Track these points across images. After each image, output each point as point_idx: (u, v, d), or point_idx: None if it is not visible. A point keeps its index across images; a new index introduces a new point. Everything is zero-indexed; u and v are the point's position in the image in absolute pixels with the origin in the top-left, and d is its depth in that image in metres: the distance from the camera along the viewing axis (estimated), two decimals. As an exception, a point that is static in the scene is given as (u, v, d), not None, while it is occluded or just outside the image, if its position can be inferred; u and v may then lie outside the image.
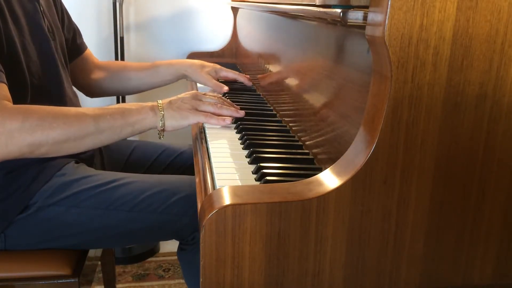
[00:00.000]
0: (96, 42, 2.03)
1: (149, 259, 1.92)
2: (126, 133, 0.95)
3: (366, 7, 0.65)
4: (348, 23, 0.69)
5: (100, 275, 1.53)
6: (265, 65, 1.42)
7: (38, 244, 0.97)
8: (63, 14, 1.26)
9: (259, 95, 1.42)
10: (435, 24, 0.60)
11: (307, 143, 0.96)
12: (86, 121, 0.91)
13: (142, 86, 1.42)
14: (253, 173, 0.83)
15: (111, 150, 1.26)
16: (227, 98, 1.25)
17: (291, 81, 1.14)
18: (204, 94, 1.07)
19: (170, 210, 0.96)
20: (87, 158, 1.11)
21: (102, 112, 0.93)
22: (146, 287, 1.74)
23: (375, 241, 0.66)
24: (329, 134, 0.84)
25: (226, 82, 1.48)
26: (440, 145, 0.64)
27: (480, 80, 0.63)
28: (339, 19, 0.70)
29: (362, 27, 0.66)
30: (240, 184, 0.79)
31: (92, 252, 1.10)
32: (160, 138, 1.01)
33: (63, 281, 0.94)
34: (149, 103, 0.99)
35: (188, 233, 0.99)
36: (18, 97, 0.92)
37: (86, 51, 1.35)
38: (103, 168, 1.21)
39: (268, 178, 0.78)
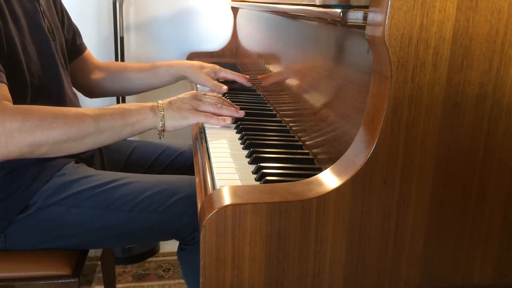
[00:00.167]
0: (96, 42, 2.03)
1: (149, 259, 1.92)
2: (126, 133, 0.95)
3: (366, 7, 0.65)
4: (348, 23, 0.69)
5: (100, 275, 1.53)
6: (265, 65, 1.42)
7: (38, 244, 0.97)
8: (63, 15, 1.26)
9: (259, 95, 1.42)
10: (435, 24, 0.60)
11: (307, 143, 0.96)
12: (86, 121, 0.91)
13: (141, 87, 1.42)
14: (253, 173, 0.83)
15: (111, 150, 1.26)
16: (227, 98, 1.25)
17: (291, 81, 1.14)
18: (204, 94, 1.07)
19: (170, 210, 0.96)
20: (87, 158, 1.11)
21: (102, 112, 0.93)
22: (146, 287, 1.74)
23: (375, 241, 0.66)
24: (329, 134, 0.84)
25: (226, 82, 1.48)
26: (440, 145, 0.64)
27: (480, 80, 0.63)
28: (339, 19, 0.70)
29: (362, 27, 0.66)
30: (240, 184, 0.79)
31: (92, 252, 1.10)
32: (160, 138, 1.01)
33: (63, 281, 0.94)
34: (149, 103, 0.99)
35: (188, 233, 0.99)
36: (18, 97, 0.92)
37: (86, 52, 1.36)
38: (103, 168, 1.21)
39: (268, 178, 0.78)
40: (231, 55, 2.14)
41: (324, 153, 0.86)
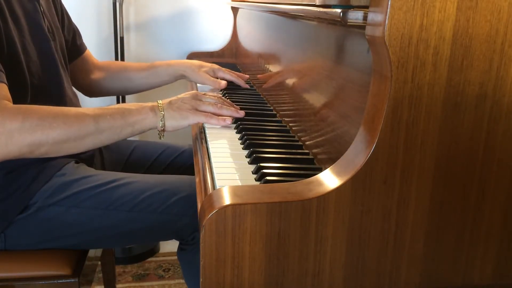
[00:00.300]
0: (96, 42, 2.03)
1: (149, 259, 1.92)
2: (126, 133, 0.95)
3: (366, 7, 0.65)
4: (348, 23, 0.69)
5: (100, 275, 1.53)
6: (265, 65, 1.42)
7: (38, 244, 0.97)
8: (63, 15, 1.26)
9: (259, 95, 1.42)
10: (435, 24, 0.60)
11: (307, 143, 0.96)
12: (86, 121, 0.91)
13: (141, 87, 1.42)
14: (253, 173, 0.83)
15: (111, 150, 1.26)
16: (227, 98, 1.25)
17: (291, 81, 1.14)
18: (204, 94, 1.07)
19: (170, 210, 0.96)
20: (87, 158, 1.11)
21: (102, 112, 0.93)
22: (146, 287, 1.74)
23: (375, 241, 0.66)
24: (329, 134, 0.84)
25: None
26: (440, 145, 0.64)
27: (480, 80, 0.63)
28: (339, 19, 0.70)
29: (362, 27, 0.66)
30: (240, 184, 0.79)
31: (92, 252, 1.10)
32: (160, 138, 1.01)
33: (63, 281, 0.94)
34: (149, 103, 0.99)
35: (188, 233, 0.99)
36: (18, 97, 0.92)
37: (86, 52, 1.36)
38: (103, 168, 1.21)
39: (268, 178, 0.78)
40: (231, 55, 2.14)
41: (324, 153, 0.86)
